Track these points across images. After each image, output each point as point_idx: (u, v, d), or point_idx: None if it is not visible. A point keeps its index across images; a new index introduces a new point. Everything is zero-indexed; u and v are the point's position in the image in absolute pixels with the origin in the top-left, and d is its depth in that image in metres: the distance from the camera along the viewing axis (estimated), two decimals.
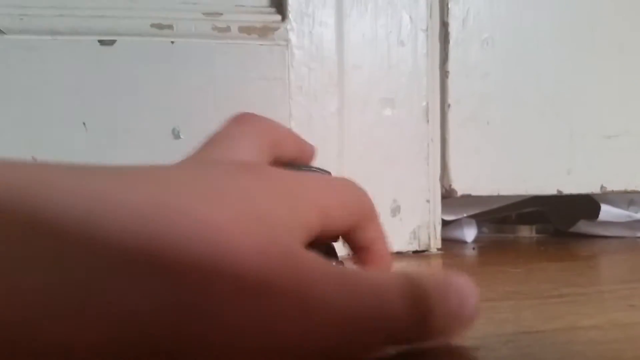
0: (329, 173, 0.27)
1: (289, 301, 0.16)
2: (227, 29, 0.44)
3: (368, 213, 0.25)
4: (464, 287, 0.21)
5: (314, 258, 0.18)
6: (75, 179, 0.16)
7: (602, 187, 0.53)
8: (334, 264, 0.21)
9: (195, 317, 0.15)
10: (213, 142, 0.23)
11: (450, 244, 0.55)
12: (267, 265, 0.16)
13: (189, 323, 0.15)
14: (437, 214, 0.50)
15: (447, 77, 0.50)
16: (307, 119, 0.46)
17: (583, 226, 0.60)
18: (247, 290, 0.16)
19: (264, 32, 0.45)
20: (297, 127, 0.45)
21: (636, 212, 0.58)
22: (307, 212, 0.20)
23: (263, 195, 0.19)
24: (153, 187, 0.16)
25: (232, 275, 0.16)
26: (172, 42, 0.44)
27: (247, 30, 0.45)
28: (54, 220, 0.14)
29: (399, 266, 0.42)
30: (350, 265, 0.25)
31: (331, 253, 0.27)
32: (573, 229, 0.61)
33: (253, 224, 0.17)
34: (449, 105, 0.50)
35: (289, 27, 0.46)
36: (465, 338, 0.22)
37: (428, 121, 0.49)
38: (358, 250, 0.27)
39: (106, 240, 0.14)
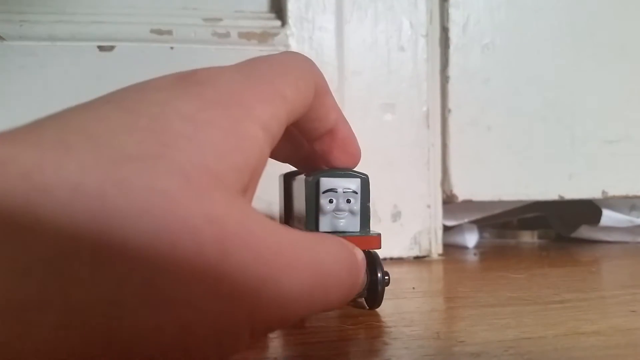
0: (366, 176, 0.26)
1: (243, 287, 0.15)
2: (227, 34, 0.44)
3: (322, 84, 0.23)
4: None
5: (259, 222, 0.17)
6: None
7: (603, 192, 0.53)
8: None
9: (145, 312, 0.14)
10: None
11: (451, 249, 0.54)
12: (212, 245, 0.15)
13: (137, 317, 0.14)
14: (438, 220, 0.49)
15: (447, 82, 0.50)
16: None
17: (585, 231, 0.60)
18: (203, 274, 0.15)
19: (264, 37, 0.45)
20: None
21: (638, 217, 0.58)
22: (257, 121, 0.18)
23: (195, 130, 0.16)
24: (86, 151, 0.15)
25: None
26: (172, 48, 0.44)
27: (246, 35, 0.45)
28: None
29: (399, 271, 0.42)
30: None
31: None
32: (575, 234, 0.61)
33: (196, 184, 0.15)
34: (449, 111, 0.50)
35: (288, 32, 0.46)
36: (467, 344, 0.22)
37: (429, 126, 0.48)
38: (320, 138, 0.25)
39: (53, 229, 0.13)
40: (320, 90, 0.23)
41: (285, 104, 0.20)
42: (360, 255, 0.22)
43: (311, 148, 0.26)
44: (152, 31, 0.43)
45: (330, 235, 0.22)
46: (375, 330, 0.25)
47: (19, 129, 0.15)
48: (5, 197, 0.13)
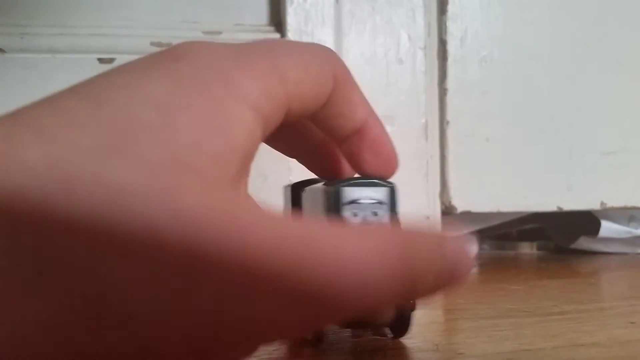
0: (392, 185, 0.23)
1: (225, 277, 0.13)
2: None
3: (344, 77, 0.20)
4: (461, 244, 0.18)
5: (252, 212, 0.14)
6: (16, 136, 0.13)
7: (602, 203, 0.53)
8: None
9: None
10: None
11: None
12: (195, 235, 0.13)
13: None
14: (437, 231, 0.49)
15: (445, 94, 0.50)
16: None
17: (584, 242, 0.60)
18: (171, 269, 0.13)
19: None
20: None
21: (636, 229, 0.58)
22: (246, 102, 0.16)
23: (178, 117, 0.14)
24: (33, 147, 0.13)
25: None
26: None
27: None
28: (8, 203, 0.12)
29: None
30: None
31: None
32: (574, 246, 0.61)
33: (169, 173, 0.14)
34: (447, 122, 0.50)
35: None
36: (466, 356, 0.22)
37: (427, 138, 0.49)
38: (348, 138, 0.22)
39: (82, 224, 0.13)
40: (341, 82, 0.20)
41: (284, 83, 0.17)
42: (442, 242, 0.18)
43: (340, 150, 0.23)
44: (152, 44, 0.44)
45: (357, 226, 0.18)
46: (374, 343, 0.25)
47: None
48: None
